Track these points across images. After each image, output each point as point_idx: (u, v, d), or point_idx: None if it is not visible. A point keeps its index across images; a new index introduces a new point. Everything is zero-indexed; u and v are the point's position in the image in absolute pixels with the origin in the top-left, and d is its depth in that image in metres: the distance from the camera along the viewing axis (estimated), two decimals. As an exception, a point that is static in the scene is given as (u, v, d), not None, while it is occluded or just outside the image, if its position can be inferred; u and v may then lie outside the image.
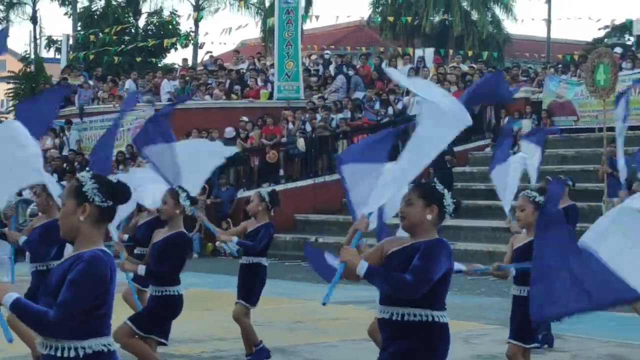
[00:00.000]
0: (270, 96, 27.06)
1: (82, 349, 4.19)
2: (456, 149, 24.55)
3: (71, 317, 4.10)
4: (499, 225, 18.88)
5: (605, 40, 41.96)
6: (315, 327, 11.72)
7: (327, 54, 31.11)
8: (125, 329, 7.64)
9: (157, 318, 7.71)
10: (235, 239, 9.34)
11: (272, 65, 28.44)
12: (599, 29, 43.89)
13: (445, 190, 5.28)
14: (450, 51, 34.56)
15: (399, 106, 25.03)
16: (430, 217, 5.19)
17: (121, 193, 4.38)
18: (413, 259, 5.08)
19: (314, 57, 30.96)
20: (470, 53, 34.79)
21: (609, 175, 16.72)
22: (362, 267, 4.97)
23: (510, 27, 44.21)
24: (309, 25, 39.96)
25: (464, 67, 27.80)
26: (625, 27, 37.47)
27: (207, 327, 11.49)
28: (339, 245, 17.80)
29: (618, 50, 25.94)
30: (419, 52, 31.14)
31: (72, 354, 4.18)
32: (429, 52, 30.73)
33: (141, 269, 7.64)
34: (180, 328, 8.93)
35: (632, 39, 33.84)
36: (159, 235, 7.86)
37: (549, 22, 40.99)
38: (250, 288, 9.28)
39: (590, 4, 78.72)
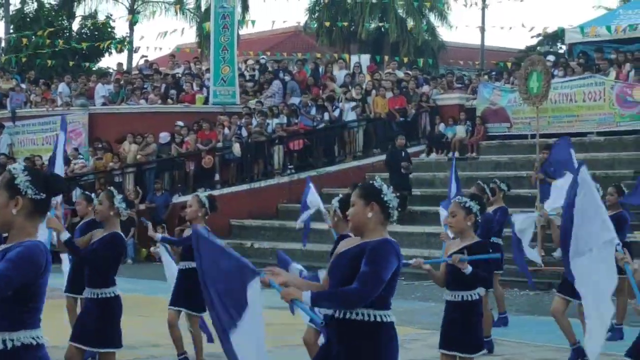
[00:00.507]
0: (206, 101, 26.93)
1: (10, 340, 4.14)
2: (391, 154, 24.73)
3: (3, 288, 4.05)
4: (434, 230, 19.02)
5: (538, 48, 42.55)
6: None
7: (263, 59, 31.09)
8: (73, 351, 7.57)
9: (100, 326, 7.55)
10: (159, 235, 9.44)
11: (207, 70, 28.31)
12: (532, 37, 44.49)
13: (384, 186, 5.28)
14: (386, 57, 34.74)
15: (336, 113, 25.08)
16: (372, 215, 5.19)
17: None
18: (359, 259, 5.10)
19: (250, 62, 30.90)
20: (405, 60, 35.02)
21: (542, 182, 16.93)
22: (306, 298, 4.96)
23: (445, 34, 44.58)
24: (245, 31, 39.86)
25: (400, 74, 27.98)
26: (557, 36, 38.01)
27: (140, 333, 11.38)
28: (275, 250, 17.76)
29: (551, 58, 26.31)
30: (355, 58, 31.26)
31: (0, 346, 4.13)
32: (365, 59, 30.90)
33: (64, 235, 7.60)
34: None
35: (564, 47, 34.28)
36: (96, 236, 7.83)
37: (482, 29, 41.48)
38: (189, 294, 9.20)
39: (523, 12, 79.82)
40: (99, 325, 7.56)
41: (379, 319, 5.13)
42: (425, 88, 26.55)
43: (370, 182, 5.40)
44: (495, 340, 10.87)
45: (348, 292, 5.02)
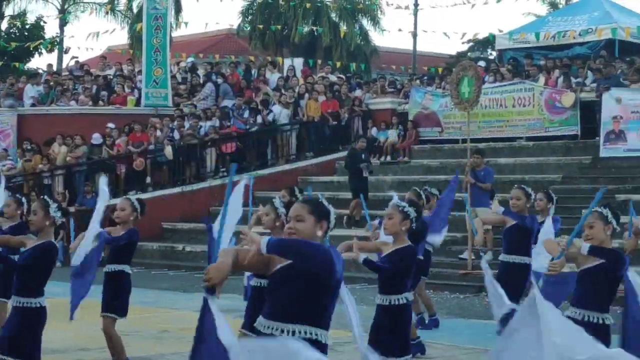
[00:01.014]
0: (138, 103, 26.71)
1: None
2: (323, 158, 24.82)
3: None
4: (365, 234, 19.10)
5: (469, 54, 43.03)
6: (181, 335, 11.59)
7: (195, 61, 30.94)
8: None
9: (17, 334, 7.39)
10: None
11: (139, 72, 28.08)
12: (463, 43, 45.01)
13: (331, 207, 5.27)
14: (319, 61, 34.83)
15: (270, 117, 25.06)
16: (321, 233, 5.17)
17: None
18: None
19: (182, 64, 30.73)
20: (338, 64, 35.14)
21: (472, 186, 17.12)
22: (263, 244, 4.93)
23: (378, 39, 44.87)
24: (178, 33, 39.67)
25: (333, 78, 28.08)
26: (488, 42, 38.46)
27: (69, 336, 11.23)
28: (206, 254, 17.53)
29: (482, 63, 26.62)
30: (287, 62, 31.27)
31: None
32: (298, 62, 30.90)
33: None
34: (42, 338, 8.68)
35: (494, 53, 34.73)
36: (29, 244, 7.67)
37: (414, 35, 41.80)
38: (115, 297, 9.11)
39: (454, 18, 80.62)
40: (16, 333, 7.36)
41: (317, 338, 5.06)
42: (358, 92, 26.68)
43: (319, 200, 5.32)
44: (426, 343, 10.96)
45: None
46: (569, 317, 6.23)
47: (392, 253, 7.41)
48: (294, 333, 4.94)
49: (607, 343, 6.25)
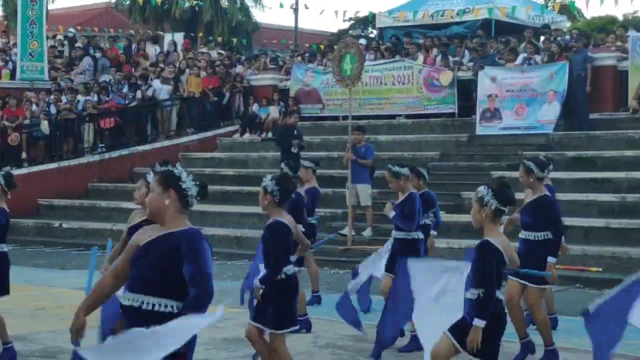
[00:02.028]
0: (13, 76, 26.02)
1: None
2: (204, 135, 24.67)
3: None
4: (247, 210, 19.11)
5: (350, 31, 43.28)
6: (57, 313, 11.40)
7: (72, 32, 30.28)
8: None
9: None
10: None
11: (15, 45, 27.33)
12: (344, 21, 45.25)
13: (184, 174, 5.20)
14: (200, 36, 34.52)
15: (149, 93, 24.72)
16: (168, 203, 5.12)
17: None
18: (174, 249, 5.05)
19: (59, 37, 30.03)
20: (219, 40, 34.90)
21: (353, 162, 17.26)
22: None
23: (259, 15, 44.77)
24: (55, 5, 38.79)
25: (213, 54, 27.87)
26: (368, 20, 38.76)
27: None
28: (84, 230, 17.43)
29: (363, 41, 26.79)
30: (168, 37, 30.87)
31: None
32: (179, 37, 30.54)
33: None
34: None
35: (374, 31, 35.02)
36: None
37: (296, 11, 41.79)
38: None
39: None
40: None
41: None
42: (239, 68, 26.56)
43: (170, 168, 5.30)
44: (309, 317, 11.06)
45: (196, 304, 4.98)
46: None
47: (265, 229, 7.52)
48: (154, 305, 5.04)
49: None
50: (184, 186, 5.16)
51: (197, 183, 5.24)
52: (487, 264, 6.23)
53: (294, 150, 19.36)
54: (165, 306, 5.05)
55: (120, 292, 5.29)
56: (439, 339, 6.46)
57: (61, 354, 9.11)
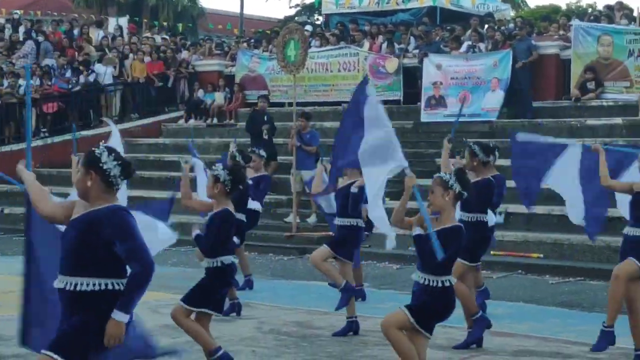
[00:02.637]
0: (-47, 60, 25.61)
1: None
2: (148, 120, 24.50)
3: None
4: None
5: (296, 18, 43.21)
6: (-1, 300, 11.29)
7: (17, 14, 29.86)
8: None
9: None
10: None
11: (-46, 27, 26.90)
12: (290, 7, 45.18)
13: (105, 154, 5.20)
14: (145, 21, 34.23)
15: (92, 78, 24.46)
16: (91, 184, 5.11)
17: None
18: (93, 224, 5.08)
19: (1, 20, 29.59)
20: (164, 24, 34.64)
21: (298, 149, 17.26)
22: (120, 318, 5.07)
23: (205, 0, 44.53)
24: (-4, -12, 38.12)
25: (158, 39, 27.66)
26: (314, 7, 38.72)
27: None
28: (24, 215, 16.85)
29: (308, 27, 26.77)
30: (113, 21, 30.58)
31: None
32: (123, 21, 30.26)
33: None
34: None
35: (320, 18, 34.99)
36: None
37: (242, -3, 41.61)
38: None
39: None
40: None
41: (110, 287, 5.10)
42: (185, 54, 26.39)
43: (92, 149, 5.28)
44: (249, 303, 11.06)
45: (138, 279, 5.08)
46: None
47: (209, 219, 7.57)
48: (76, 285, 5.09)
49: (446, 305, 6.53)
50: (104, 167, 5.16)
51: (120, 163, 5.21)
52: (452, 247, 6.38)
53: (265, 136, 19.19)
54: (87, 285, 5.06)
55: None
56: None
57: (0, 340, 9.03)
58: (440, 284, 6.46)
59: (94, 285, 5.05)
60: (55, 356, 4.98)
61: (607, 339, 8.57)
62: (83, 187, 5.15)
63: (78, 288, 5.06)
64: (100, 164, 5.14)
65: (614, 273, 8.49)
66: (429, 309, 6.48)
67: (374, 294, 12.05)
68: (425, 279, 6.46)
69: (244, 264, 12.51)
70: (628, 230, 8.41)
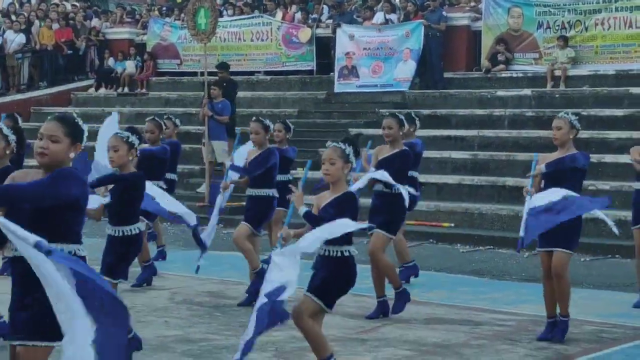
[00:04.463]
0: None
1: None
2: (57, 89, 24.06)
3: None
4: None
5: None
6: None
7: None
8: None
9: None
10: None
11: None
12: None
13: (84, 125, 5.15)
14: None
15: (-2, 42, 23.92)
16: (73, 155, 5.01)
17: None
18: None
19: None
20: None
21: (210, 119, 17.14)
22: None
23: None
24: None
25: (68, 6, 27.10)
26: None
27: None
28: None
29: (220, -4, 26.52)
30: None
31: None
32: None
33: None
34: None
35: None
36: None
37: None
38: None
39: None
40: None
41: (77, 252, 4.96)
42: (95, 21, 25.92)
43: (75, 119, 5.13)
44: (162, 274, 10.99)
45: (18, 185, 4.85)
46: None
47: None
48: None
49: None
50: (84, 141, 5.13)
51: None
52: (346, 213, 6.31)
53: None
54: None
55: None
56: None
57: None
58: (339, 254, 6.42)
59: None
60: None
61: None
62: (64, 159, 4.97)
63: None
64: (83, 138, 5.12)
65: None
66: (330, 283, 6.41)
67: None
68: (325, 250, 6.42)
69: (158, 234, 12.44)
70: None
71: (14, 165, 7.32)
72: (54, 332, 4.66)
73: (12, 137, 7.47)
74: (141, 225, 7.64)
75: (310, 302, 6.42)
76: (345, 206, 6.39)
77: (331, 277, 6.41)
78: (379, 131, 9.78)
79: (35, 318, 4.81)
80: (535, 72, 19.49)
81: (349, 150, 6.50)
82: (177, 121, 12.79)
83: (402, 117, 9.30)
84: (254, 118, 10.26)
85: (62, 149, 4.96)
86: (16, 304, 4.92)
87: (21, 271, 4.85)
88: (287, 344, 7.74)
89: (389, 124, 9.12)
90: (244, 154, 10.36)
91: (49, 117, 5.21)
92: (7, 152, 7.48)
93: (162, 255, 12.38)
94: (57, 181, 4.84)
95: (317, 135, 18.73)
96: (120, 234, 7.46)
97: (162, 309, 9.33)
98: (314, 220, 6.39)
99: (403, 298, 9.14)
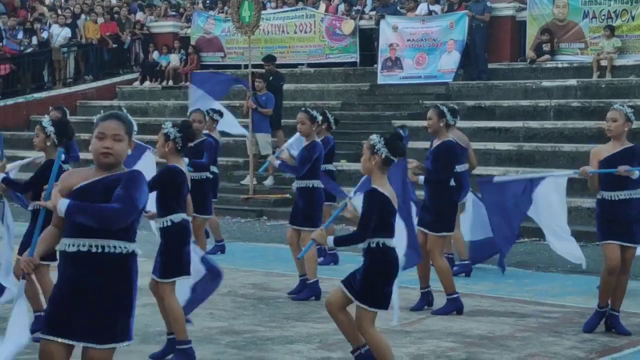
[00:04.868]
0: None
1: None
2: (103, 82, 24.26)
3: None
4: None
5: (252, -21, 42.89)
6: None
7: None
8: None
9: None
10: None
11: None
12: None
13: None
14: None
15: (44, 35, 24.12)
16: (129, 153, 5.02)
17: None
18: (116, 181, 4.84)
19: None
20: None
21: (254, 111, 17.19)
22: (62, 204, 4.73)
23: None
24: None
25: (113, 0, 27.31)
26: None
27: None
28: None
29: (264, -11, 26.55)
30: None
31: None
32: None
33: None
34: None
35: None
36: None
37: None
38: None
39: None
40: None
41: (133, 251, 4.97)
42: (140, 15, 26.10)
43: (128, 117, 5.11)
44: (208, 266, 11.00)
45: (108, 208, 4.76)
46: None
47: (160, 173, 7.34)
48: (103, 247, 4.83)
49: None
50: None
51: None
52: (371, 211, 6.26)
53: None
54: (114, 247, 4.85)
55: None
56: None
57: None
58: (375, 245, 6.36)
59: (121, 247, 4.95)
60: None
61: None
62: (124, 157, 4.98)
63: (106, 250, 4.89)
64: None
65: None
66: (365, 277, 6.32)
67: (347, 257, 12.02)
68: (367, 242, 6.38)
69: (214, 229, 12.51)
70: None
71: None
72: (124, 333, 4.86)
73: (50, 129, 7.57)
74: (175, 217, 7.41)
75: (340, 293, 6.45)
76: (366, 201, 6.34)
77: (365, 270, 6.36)
78: (423, 123, 9.77)
79: (115, 319, 4.87)
80: (580, 62, 19.31)
81: (375, 140, 6.43)
82: (217, 116, 12.57)
83: (443, 108, 9.22)
84: (302, 108, 10.21)
85: (125, 148, 4.93)
86: (85, 304, 4.86)
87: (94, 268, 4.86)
88: (331, 335, 7.75)
89: (429, 115, 9.13)
90: (298, 144, 10.31)
91: (99, 114, 5.13)
92: (48, 143, 7.58)
93: (221, 249, 12.44)
94: (134, 193, 4.83)
95: (360, 127, 18.72)
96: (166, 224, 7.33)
97: (207, 301, 9.36)
98: (346, 240, 6.47)
99: (454, 306, 8.95)
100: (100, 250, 4.84)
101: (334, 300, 6.50)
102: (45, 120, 7.71)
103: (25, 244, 7.12)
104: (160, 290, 7.07)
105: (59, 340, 4.80)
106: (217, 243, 12.54)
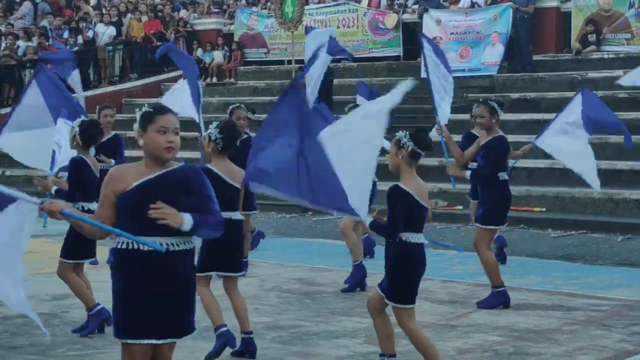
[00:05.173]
0: (-50, 22, 25.47)
1: None
2: (148, 80, 24.42)
3: None
4: (192, 156, 18.99)
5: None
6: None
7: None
8: None
9: None
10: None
11: (-49, -11, 26.74)
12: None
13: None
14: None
15: (89, 34, 24.34)
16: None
17: None
18: (184, 180, 4.79)
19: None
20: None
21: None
22: (187, 221, 4.68)
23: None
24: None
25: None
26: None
27: None
28: (29, 178, 17.11)
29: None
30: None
31: None
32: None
33: None
34: None
35: (319, -26, 34.79)
36: None
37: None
38: None
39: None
40: None
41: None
42: (183, 13, 26.23)
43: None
44: (252, 261, 11.04)
45: (216, 220, 4.81)
46: None
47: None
48: (184, 243, 4.80)
49: None
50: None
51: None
52: (395, 208, 6.22)
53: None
54: (185, 243, 4.81)
55: None
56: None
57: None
58: (398, 241, 6.30)
59: (188, 243, 4.93)
60: None
61: None
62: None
63: (182, 247, 4.85)
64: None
65: None
66: (390, 273, 6.28)
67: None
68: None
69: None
70: None
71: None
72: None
73: (75, 129, 7.80)
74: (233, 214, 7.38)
75: (376, 292, 6.45)
76: (389, 200, 6.30)
77: (388, 269, 6.32)
78: (467, 116, 9.69)
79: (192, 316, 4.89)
80: (627, 52, 19.08)
81: (401, 135, 6.47)
82: (250, 114, 12.44)
83: (493, 104, 9.11)
84: (350, 105, 10.19)
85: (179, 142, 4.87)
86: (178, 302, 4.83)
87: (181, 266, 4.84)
88: (377, 330, 7.73)
89: (480, 113, 9.04)
90: None
91: (139, 109, 5.02)
92: (74, 143, 7.81)
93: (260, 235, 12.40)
94: (211, 192, 4.88)
95: (405, 121, 18.64)
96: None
97: (253, 296, 9.40)
98: (379, 229, 6.31)
99: (500, 300, 8.85)
100: (182, 247, 4.79)
101: (371, 300, 6.51)
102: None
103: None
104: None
105: (151, 342, 4.73)
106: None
